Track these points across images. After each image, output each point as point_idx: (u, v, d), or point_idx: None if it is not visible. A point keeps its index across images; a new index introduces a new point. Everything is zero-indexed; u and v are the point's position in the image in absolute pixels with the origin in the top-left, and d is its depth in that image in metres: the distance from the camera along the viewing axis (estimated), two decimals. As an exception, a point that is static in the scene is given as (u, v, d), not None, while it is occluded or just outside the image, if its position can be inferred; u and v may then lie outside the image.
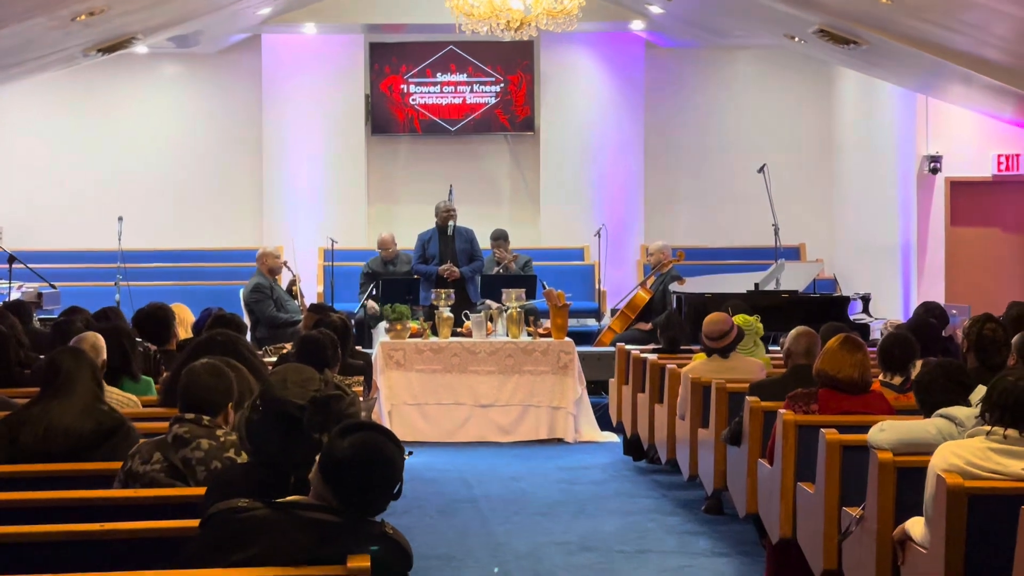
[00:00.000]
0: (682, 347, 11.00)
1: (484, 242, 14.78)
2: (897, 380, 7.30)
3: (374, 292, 14.05)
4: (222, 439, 4.75)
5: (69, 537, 4.13)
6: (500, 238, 14.73)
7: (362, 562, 3.56)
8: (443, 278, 13.86)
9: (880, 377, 7.34)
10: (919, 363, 7.64)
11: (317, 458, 3.73)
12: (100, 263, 16.65)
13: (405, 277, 14.42)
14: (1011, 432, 5.01)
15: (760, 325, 10.00)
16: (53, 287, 14.56)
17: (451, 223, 14.19)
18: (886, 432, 5.68)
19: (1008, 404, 5.01)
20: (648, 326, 13.55)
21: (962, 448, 5.06)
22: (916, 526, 5.24)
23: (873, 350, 7.43)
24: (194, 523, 3.98)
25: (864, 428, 6.40)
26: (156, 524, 4.19)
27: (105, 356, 6.43)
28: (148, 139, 17.87)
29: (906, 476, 5.51)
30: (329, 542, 3.62)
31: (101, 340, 6.49)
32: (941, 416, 5.58)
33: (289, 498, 3.75)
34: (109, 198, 17.38)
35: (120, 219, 15.95)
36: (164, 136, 17.92)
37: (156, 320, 8.24)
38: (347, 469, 3.65)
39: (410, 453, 3.85)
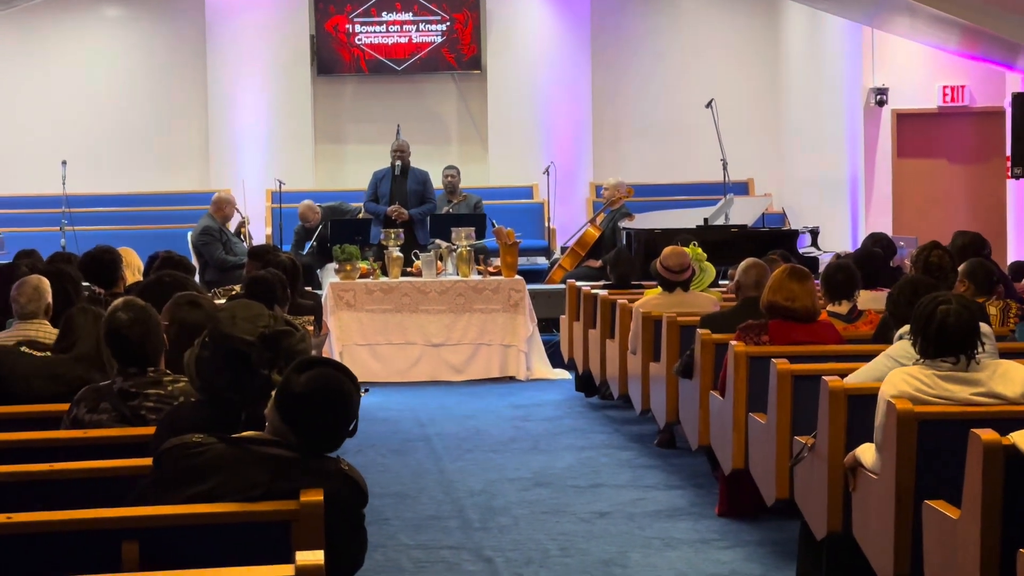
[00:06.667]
0: (632, 282, 11.01)
1: (437, 181, 14.77)
2: (844, 309, 7.34)
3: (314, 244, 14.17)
4: (169, 388, 4.68)
5: (18, 478, 4.09)
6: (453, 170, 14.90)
7: (315, 497, 3.55)
8: (391, 218, 13.79)
9: (827, 307, 7.38)
10: (862, 292, 7.71)
11: (273, 393, 3.71)
12: (45, 208, 16.47)
13: (353, 218, 14.37)
14: (948, 362, 5.04)
15: (701, 251, 10.03)
16: (-3, 233, 14.42)
17: (397, 163, 14.11)
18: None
19: (939, 337, 5.04)
20: (598, 263, 13.54)
21: (911, 375, 5.09)
22: (867, 453, 5.28)
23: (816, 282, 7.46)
24: (144, 462, 3.96)
25: (815, 358, 6.45)
26: (106, 463, 4.16)
27: (50, 299, 6.35)
28: (91, 82, 17.65)
29: (856, 404, 5.54)
30: (284, 477, 3.61)
31: (45, 283, 6.40)
32: (901, 337, 5.58)
33: (244, 433, 3.73)
34: (53, 142, 17.16)
35: (64, 163, 15.78)
36: (107, 79, 17.70)
37: (102, 263, 8.14)
38: (304, 404, 3.64)
39: (366, 391, 3.84)
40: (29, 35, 17.44)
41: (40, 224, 16.15)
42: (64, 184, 15.64)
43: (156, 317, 4.76)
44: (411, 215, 13.90)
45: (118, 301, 4.82)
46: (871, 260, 8.60)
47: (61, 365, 5.40)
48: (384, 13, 17.67)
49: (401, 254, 12.34)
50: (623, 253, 11.87)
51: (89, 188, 16.97)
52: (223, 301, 9.07)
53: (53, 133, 17.38)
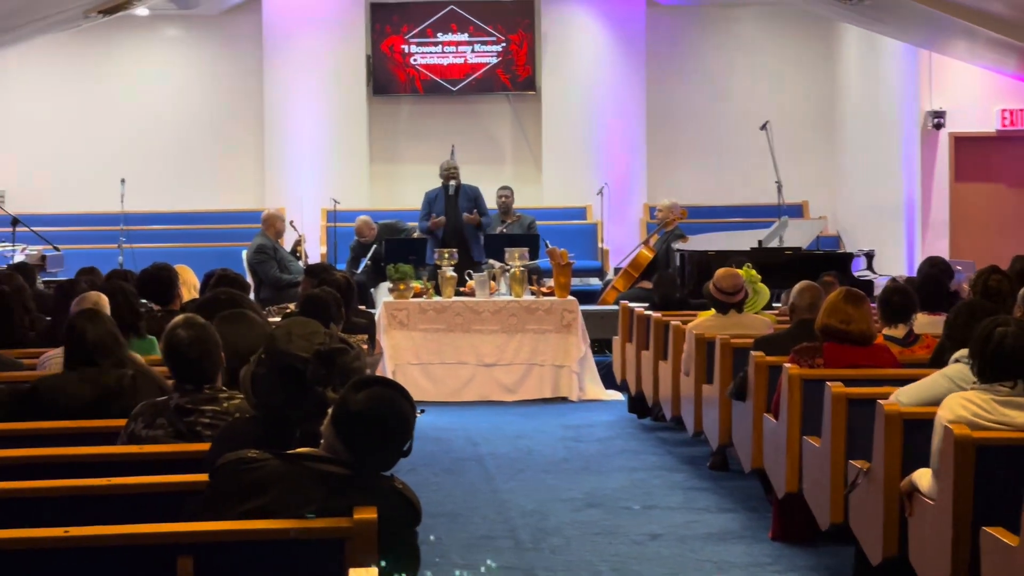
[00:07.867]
0: (675, 303, 10.97)
1: (491, 202, 14.82)
2: (900, 332, 7.28)
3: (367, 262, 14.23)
4: (225, 405, 4.70)
5: (76, 492, 4.13)
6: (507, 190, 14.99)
7: (369, 514, 3.55)
8: (446, 237, 13.82)
9: (884, 330, 7.32)
10: (919, 316, 7.65)
11: (329, 410, 3.71)
12: (103, 225, 16.65)
13: (408, 237, 14.43)
14: (1006, 387, 5.00)
15: (755, 273, 9.98)
16: (57, 249, 14.55)
17: (452, 182, 14.16)
18: (903, 399, 5.65)
19: (996, 360, 4.99)
20: (651, 284, 13.52)
21: (968, 399, 5.05)
22: (923, 478, 5.23)
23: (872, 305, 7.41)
24: (199, 478, 3.97)
25: (870, 381, 6.40)
26: (162, 479, 4.18)
27: (109, 314, 6.39)
28: (150, 101, 17.82)
29: (912, 428, 5.49)
30: (338, 494, 3.61)
31: (104, 299, 6.46)
32: (957, 360, 5.54)
33: (299, 450, 3.74)
34: (112, 160, 17.35)
35: (123, 181, 15.97)
36: (166, 98, 17.87)
37: (159, 280, 8.20)
38: (361, 422, 3.64)
39: (422, 411, 3.83)
40: (88, 55, 17.63)
41: (99, 241, 16.31)
42: (123, 202, 15.81)
43: (215, 335, 4.78)
44: (469, 222, 13.98)
45: (179, 318, 4.84)
46: (930, 284, 8.53)
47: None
48: (440, 34, 17.74)
49: (455, 274, 12.36)
50: (665, 275, 11.87)
51: (147, 206, 17.14)
52: (278, 319, 9.13)
53: (112, 152, 17.56)
